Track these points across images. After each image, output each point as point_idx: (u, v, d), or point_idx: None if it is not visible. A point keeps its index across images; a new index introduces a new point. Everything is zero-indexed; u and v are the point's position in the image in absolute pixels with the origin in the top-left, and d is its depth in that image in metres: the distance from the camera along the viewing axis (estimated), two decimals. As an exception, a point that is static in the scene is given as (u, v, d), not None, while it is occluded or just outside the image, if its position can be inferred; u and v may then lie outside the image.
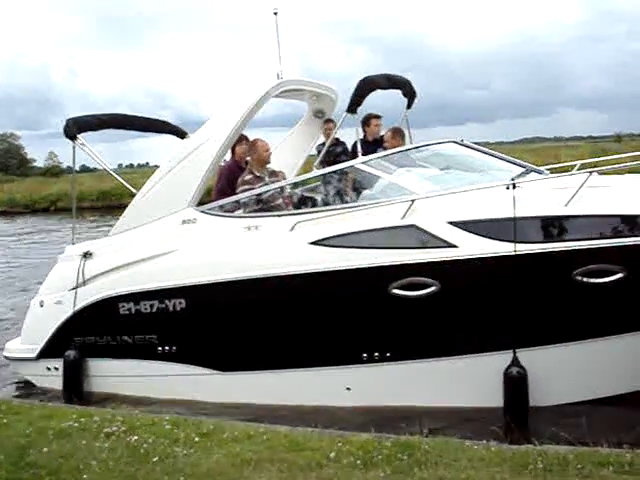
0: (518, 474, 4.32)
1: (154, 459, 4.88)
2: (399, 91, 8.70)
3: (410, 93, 8.78)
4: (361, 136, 8.80)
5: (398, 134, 8.54)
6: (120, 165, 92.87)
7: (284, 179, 8.81)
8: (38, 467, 4.87)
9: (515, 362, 6.15)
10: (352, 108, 7.53)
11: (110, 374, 7.88)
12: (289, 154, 9.91)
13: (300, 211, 7.42)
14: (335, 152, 9.07)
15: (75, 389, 7.85)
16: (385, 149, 8.15)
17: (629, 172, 7.29)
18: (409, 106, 8.90)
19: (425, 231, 6.31)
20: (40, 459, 5.00)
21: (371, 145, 8.58)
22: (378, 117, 9.08)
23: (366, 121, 8.99)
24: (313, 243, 6.71)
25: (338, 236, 6.63)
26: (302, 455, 4.81)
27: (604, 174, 7.11)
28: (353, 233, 6.59)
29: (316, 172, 8.63)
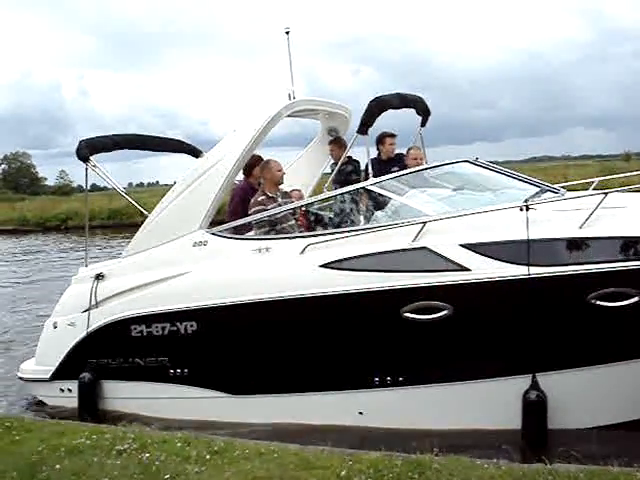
0: (529, 493, 4.34)
1: (166, 476, 4.94)
2: (412, 110, 8.63)
3: (424, 111, 8.73)
4: (374, 155, 8.82)
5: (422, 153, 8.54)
6: (130, 184, 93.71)
7: (301, 197, 8.87)
8: (50, 484, 4.92)
9: (534, 386, 6.07)
10: (363, 129, 7.42)
11: (123, 396, 7.88)
12: (304, 172, 9.97)
13: (311, 233, 7.42)
14: (346, 171, 8.99)
15: (90, 411, 7.84)
16: (407, 167, 8.07)
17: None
18: (423, 124, 8.86)
19: (437, 254, 6.25)
20: (52, 476, 5.07)
21: (385, 164, 8.57)
22: (393, 136, 8.99)
23: (380, 140, 8.93)
24: (324, 266, 6.67)
25: (349, 259, 6.59)
26: (313, 473, 4.86)
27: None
28: (364, 256, 6.55)
29: (327, 194, 8.59)
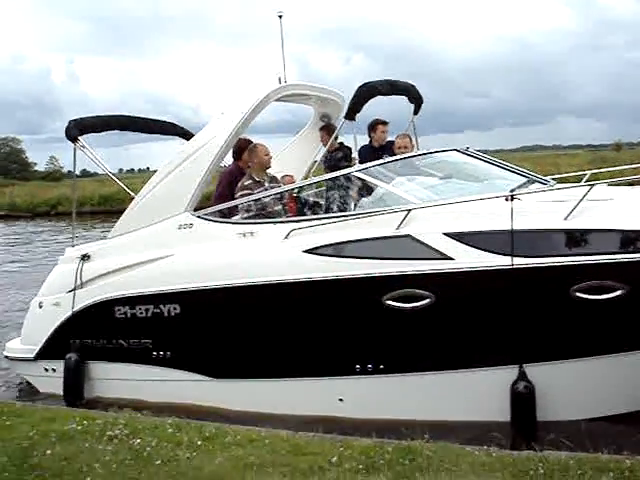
0: (519, 480, 4.37)
1: (157, 462, 4.92)
2: (404, 97, 8.59)
3: (416, 99, 8.67)
4: (366, 142, 8.77)
5: (412, 141, 8.44)
6: (121, 170, 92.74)
7: (293, 183, 8.78)
8: (41, 469, 4.90)
9: (522, 377, 5.99)
10: (350, 115, 7.43)
11: (107, 377, 7.88)
12: (296, 158, 9.89)
13: (295, 218, 7.36)
14: (336, 157, 8.96)
15: (76, 392, 7.84)
16: (395, 155, 7.99)
17: (629, 183, 7.19)
18: (416, 112, 8.79)
19: (421, 242, 6.18)
20: (43, 461, 5.04)
21: (377, 151, 8.52)
22: (385, 123, 8.92)
23: (373, 127, 8.87)
24: (307, 251, 6.62)
25: (332, 245, 6.54)
26: (304, 459, 4.84)
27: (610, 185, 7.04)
28: (347, 242, 6.50)
29: (312, 179, 8.63)
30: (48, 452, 5.18)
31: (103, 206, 37.49)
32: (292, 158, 9.83)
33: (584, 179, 7.37)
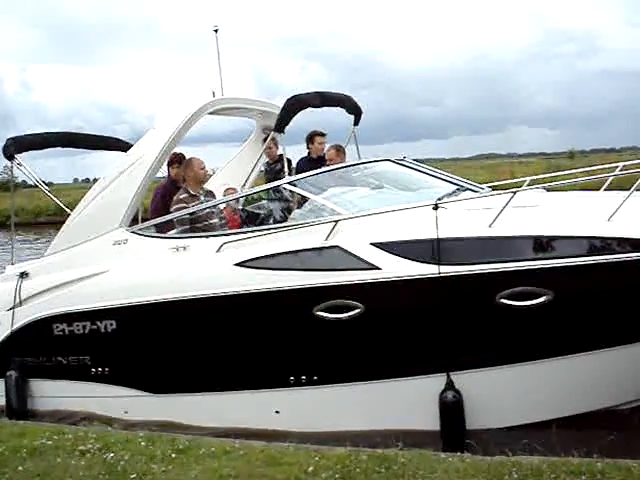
0: (494, 485, 4.13)
1: (132, 476, 4.63)
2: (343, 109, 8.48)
3: (354, 109, 8.52)
4: (290, 154, 8.62)
5: (342, 152, 8.25)
6: (76, 180, 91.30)
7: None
8: (14, 486, 4.41)
9: (449, 386, 5.84)
10: (279, 127, 7.23)
11: (48, 395, 7.58)
12: (240, 170, 9.73)
13: (227, 232, 7.14)
14: (275, 169, 8.82)
15: (18, 409, 7.55)
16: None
17: (581, 188, 7.39)
18: (356, 123, 8.65)
19: (348, 252, 6.02)
20: (15, 478, 4.75)
21: (315, 163, 8.34)
22: (322, 135, 8.75)
23: (310, 138, 8.72)
24: (238, 264, 6.40)
25: (263, 257, 6.33)
26: (280, 470, 4.55)
27: (554, 190, 7.03)
28: (277, 254, 6.29)
29: (244, 192, 8.58)
30: (20, 468, 4.86)
31: (59, 216, 36.70)
32: (236, 171, 9.68)
33: (524, 185, 7.54)
